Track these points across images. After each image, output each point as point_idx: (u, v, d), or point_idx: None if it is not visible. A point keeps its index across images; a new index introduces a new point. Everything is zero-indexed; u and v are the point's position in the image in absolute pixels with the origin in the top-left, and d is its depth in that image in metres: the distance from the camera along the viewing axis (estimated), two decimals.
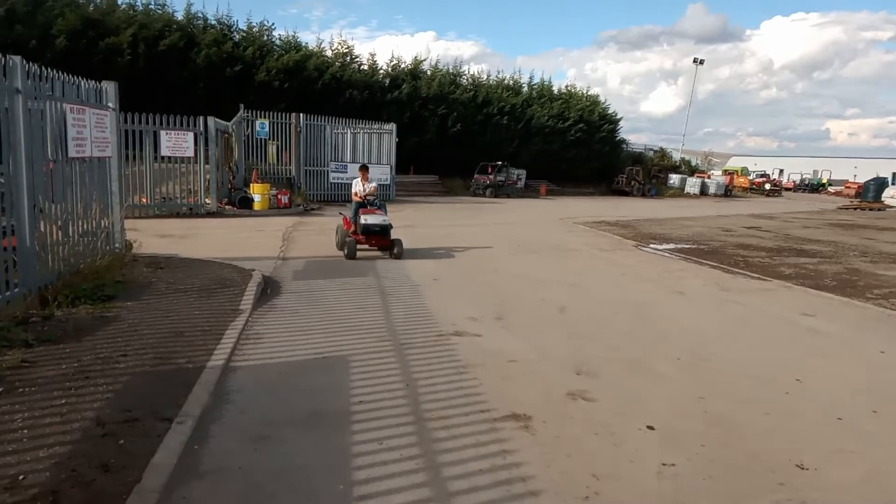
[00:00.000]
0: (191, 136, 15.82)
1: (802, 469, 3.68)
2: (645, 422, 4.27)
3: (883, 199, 39.67)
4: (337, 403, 4.34)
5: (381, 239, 10.79)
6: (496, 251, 12.28)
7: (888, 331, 7.29)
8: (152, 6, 26.36)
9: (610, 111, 40.50)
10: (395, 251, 10.71)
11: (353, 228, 10.96)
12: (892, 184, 46.93)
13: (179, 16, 26.94)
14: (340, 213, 11.77)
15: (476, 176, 30.42)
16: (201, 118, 16.19)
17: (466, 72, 35.95)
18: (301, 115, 21.67)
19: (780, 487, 3.46)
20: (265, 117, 20.93)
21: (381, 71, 32.27)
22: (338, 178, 22.52)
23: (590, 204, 28.67)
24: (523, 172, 33.29)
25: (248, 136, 20.54)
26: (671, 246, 14.34)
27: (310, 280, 8.61)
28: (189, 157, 16.00)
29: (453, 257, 11.28)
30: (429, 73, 33.59)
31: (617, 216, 21.53)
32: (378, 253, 11.04)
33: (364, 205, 11.04)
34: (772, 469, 3.67)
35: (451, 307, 7.33)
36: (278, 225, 14.74)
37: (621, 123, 41.56)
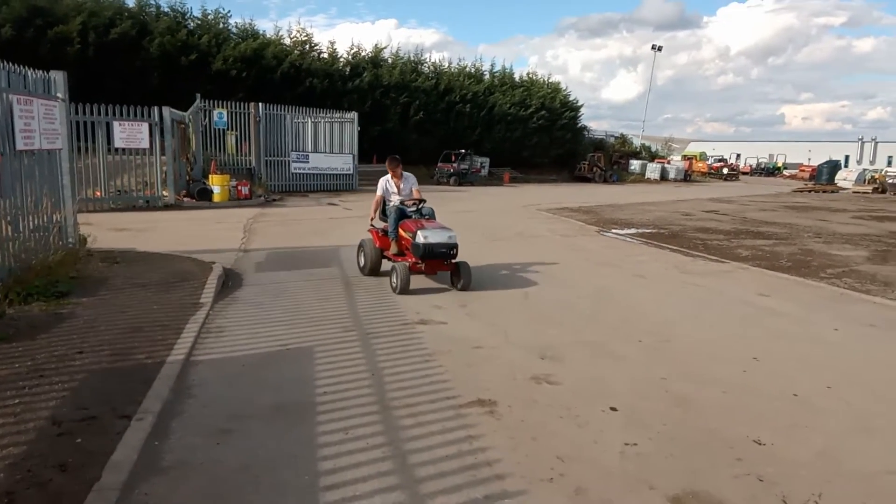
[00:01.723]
0: (145, 126, 15.40)
1: (760, 444, 3.79)
2: (608, 403, 4.33)
3: (836, 181, 40.97)
4: (301, 395, 4.30)
5: (444, 263, 7.77)
6: (460, 239, 12.24)
7: (841, 309, 7.53)
8: None
9: (571, 98, 40.90)
10: (463, 280, 7.59)
11: (393, 248, 8.07)
12: (845, 166, 48.55)
13: (131, 3, 26.24)
14: (371, 227, 8.55)
15: (440, 164, 30.37)
16: (156, 108, 15.77)
17: (428, 60, 35.90)
18: (260, 104, 21.29)
19: (738, 463, 3.55)
20: (223, 107, 20.51)
21: (342, 59, 31.92)
22: (299, 168, 22.23)
23: (553, 190, 28.89)
24: (487, 160, 33.39)
25: (206, 126, 20.10)
26: (632, 231, 14.55)
27: (272, 272, 8.49)
28: (144, 149, 15.57)
29: None
30: (390, 61, 33.36)
31: (579, 202, 21.74)
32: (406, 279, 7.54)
33: (406, 213, 8.07)
34: (730, 445, 3.76)
35: (416, 296, 7.32)
36: (239, 216, 14.50)
37: (582, 110, 42.08)
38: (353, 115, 23.84)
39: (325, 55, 31.46)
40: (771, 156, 70.79)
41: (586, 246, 12.04)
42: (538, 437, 3.81)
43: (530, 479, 3.30)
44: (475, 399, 4.33)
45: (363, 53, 32.68)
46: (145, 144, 15.49)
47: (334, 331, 5.83)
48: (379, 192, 8.42)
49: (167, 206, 15.94)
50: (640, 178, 42.33)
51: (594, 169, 38.39)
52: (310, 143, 22.80)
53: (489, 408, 4.21)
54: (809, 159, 62.06)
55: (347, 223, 14.24)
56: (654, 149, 57.11)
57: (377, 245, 8.23)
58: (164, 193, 16.16)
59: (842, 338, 6.28)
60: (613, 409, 4.25)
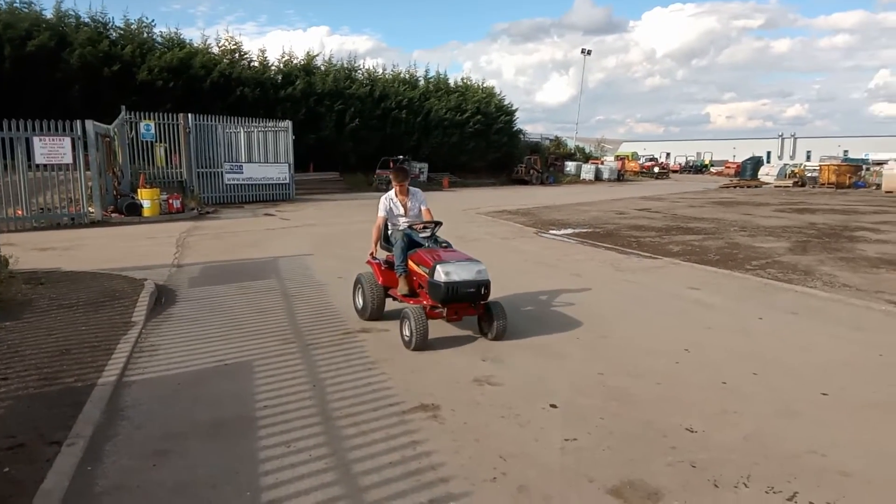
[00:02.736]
0: (67, 141, 14.80)
1: (692, 432, 3.95)
2: (548, 401, 4.43)
3: (759, 176, 43.00)
4: (241, 410, 4.23)
5: (471, 306, 5.97)
6: None
7: (765, 298, 7.90)
8: (17, 4, 24.48)
9: (506, 102, 41.45)
10: (497, 326, 5.85)
11: (402, 288, 6.26)
12: (767, 162, 51.01)
13: (49, 14, 25.19)
14: (372, 259, 6.78)
15: (378, 171, 30.24)
16: (78, 122, 15.17)
17: (362, 66, 35.79)
18: (189, 114, 20.76)
19: (672, 451, 3.69)
20: (150, 118, 19.87)
21: (273, 67, 31.50)
22: (233, 180, 21.77)
23: (491, 194, 29.20)
24: (425, 166, 33.50)
25: (133, 138, 19.46)
26: (569, 231, 14.87)
27: (207, 286, 8.29)
28: (67, 164, 14.95)
29: (358, 254, 11.17)
30: (323, 68, 33.08)
31: (517, 205, 22.06)
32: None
33: (415, 241, 6.35)
34: (664, 434, 3.91)
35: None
36: (171, 231, 14.09)
37: (517, 114, 42.68)
38: (287, 123, 23.55)
39: (256, 63, 30.97)
40: (698, 154, 73.68)
41: (524, 247, 12.23)
42: (481, 438, 3.87)
43: (474, 480, 3.35)
44: (418, 404, 4.36)
45: (295, 61, 32.33)
46: (68, 160, 14.88)
47: (274, 343, 5.75)
48: (381, 214, 6.68)
49: (94, 223, 15.34)
50: (576, 179, 43.26)
51: (531, 171, 39.02)
52: (243, 153, 22.38)
53: (432, 412, 4.24)
54: (734, 156, 64.93)
55: (285, 234, 14.04)
56: (587, 150, 58.52)
57: (380, 281, 6.49)
58: (91, 210, 15.56)
59: (766, 326, 6.60)
60: (553, 406, 4.35)
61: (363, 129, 31.81)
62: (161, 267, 9.49)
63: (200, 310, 7.01)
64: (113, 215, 16.18)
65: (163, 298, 7.49)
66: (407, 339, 5.65)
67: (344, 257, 10.70)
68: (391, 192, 6.75)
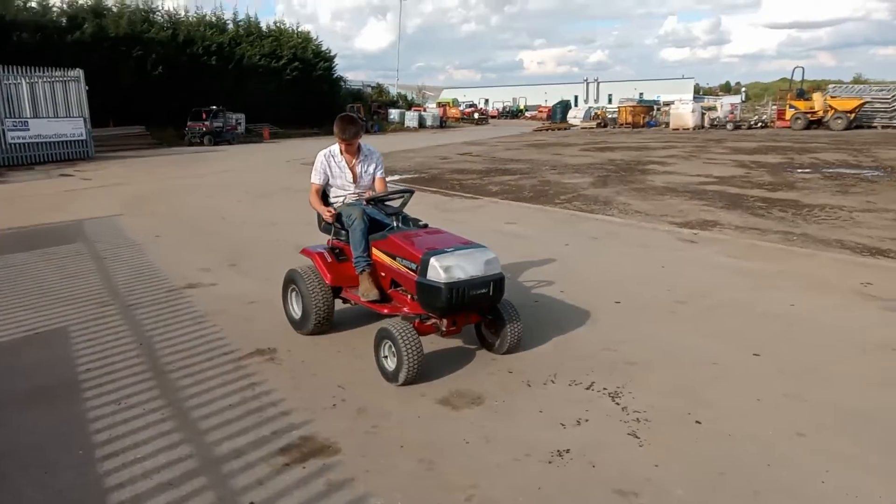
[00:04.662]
0: None
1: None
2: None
3: (568, 119, 46.25)
4: (61, 376, 4.01)
5: (476, 313, 4.25)
6: (223, 200, 11.85)
7: (571, 227, 8.77)
8: None
9: (324, 48, 40.63)
10: (512, 332, 4.16)
11: (364, 289, 4.36)
12: (575, 105, 54.88)
13: None
14: (308, 248, 4.94)
15: (189, 123, 28.27)
16: None
17: (161, 8, 32.84)
18: None
19: (493, 363, 4.11)
20: None
21: (56, 9, 28.02)
22: (18, 138, 19.26)
23: (315, 144, 28.50)
24: (242, 116, 31.88)
25: None
26: (396, 177, 15.14)
27: (4, 255, 7.47)
28: None
29: (176, 211, 10.62)
30: (115, 9, 29.92)
31: None
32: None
33: (372, 219, 4.57)
34: (485, 350, 4.34)
35: (180, 261, 7.02)
36: None
37: (337, 60, 41.94)
38: (79, 72, 21.15)
39: (34, 5, 27.27)
40: (514, 99, 77.18)
41: None
42: (319, 372, 4.04)
43: (314, 409, 3.53)
44: (254, 350, 4.41)
45: (81, 1, 28.89)
46: None
47: (90, 307, 5.41)
48: (317, 181, 4.86)
49: None
50: (400, 126, 43.64)
51: None
52: (27, 107, 19.82)
53: (269, 355, 4.32)
54: (546, 101, 68.85)
55: (89, 194, 12.87)
56: (410, 97, 59.09)
57: (328, 280, 4.56)
58: None
59: (571, 251, 7.37)
60: None
61: (170, 79, 29.46)
62: None
63: None
64: None
65: None
66: (391, 370, 3.85)
67: (160, 214, 10.15)
68: (333, 149, 4.94)
